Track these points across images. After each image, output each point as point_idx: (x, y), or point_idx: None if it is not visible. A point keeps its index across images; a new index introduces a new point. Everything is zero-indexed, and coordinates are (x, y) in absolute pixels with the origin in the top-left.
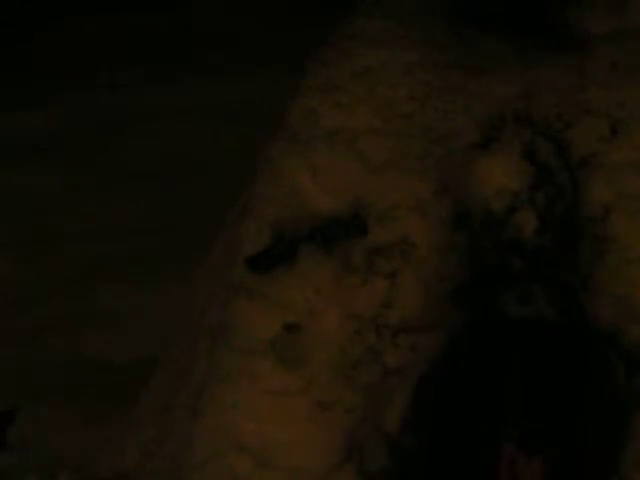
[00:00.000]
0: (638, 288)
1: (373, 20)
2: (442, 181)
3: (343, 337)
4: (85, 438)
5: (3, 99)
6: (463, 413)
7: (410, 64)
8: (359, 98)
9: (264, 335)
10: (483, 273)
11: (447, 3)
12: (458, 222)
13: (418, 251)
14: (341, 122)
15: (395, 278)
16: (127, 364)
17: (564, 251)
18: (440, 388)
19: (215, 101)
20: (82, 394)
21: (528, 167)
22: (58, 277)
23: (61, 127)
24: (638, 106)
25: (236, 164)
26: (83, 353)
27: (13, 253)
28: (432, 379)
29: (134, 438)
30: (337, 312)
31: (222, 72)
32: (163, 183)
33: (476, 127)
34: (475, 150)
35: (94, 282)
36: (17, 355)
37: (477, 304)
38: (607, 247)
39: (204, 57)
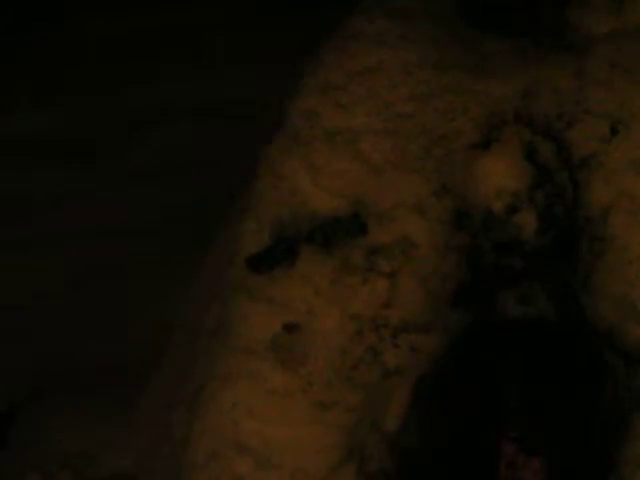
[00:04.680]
0: (637, 288)
1: (373, 20)
2: (442, 181)
3: (343, 337)
4: (85, 438)
5: (3, 99)
6: (463, 413)
7: (410, 64)
8: (359, 98)
9: (264, 335)
10: (483, 273)
11: (447, 3)
12: (458, 222)
13: (418, 251)
14: (341, 122)
15: (395, 278)
16: (127, 364)
17: (564, 251)
18: (440, 388)
19: (215, 101)
20: (82, 394)
21: (528, 167)
22: (58, 277)
23: (61, 127)
24: (638, 106)
25: (236, 164)
26: (83, 353)
27: (13, 253)
28: (432, 379)
29: (134, 438)
30: (337, 312)
31: (222, 72)
32: (163, 183)
33: (476, 127)
34: (475, 150)
35: (94, 282)
36: (17, 355)
37: (477, 304)
38: (606, 247)
39: (204, 57)
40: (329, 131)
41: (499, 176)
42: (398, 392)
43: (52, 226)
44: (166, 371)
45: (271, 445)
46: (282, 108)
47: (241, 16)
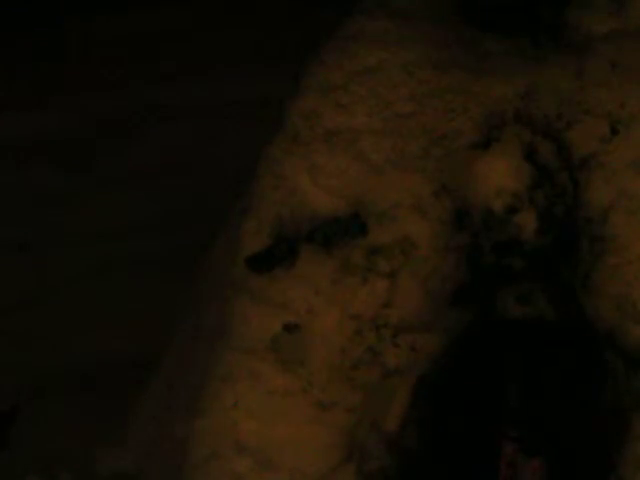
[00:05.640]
0: (637, 288)
1: (373, 20)
2: (442, 181)
3: (343, 337)
4: (85, 438)
5: (3, 99)
6: (463, 413)
7: (410, 64)
8: (359, 98)
9: (264, 335)
10: (483, 273)
11: (447, 3)
12: (458, 222)
13: (418, 251)
14: (341, 122)
15: (395, 278)
16: (127, 364)
17: (564, 251)
18: (440, 388)
19: (215, 101)
20: (82, 394)
21: (528, 167)
22: (58, 277)
23: (61, 127)
24: (638, 106)
25: (236, 164)
26: (83, 353)
27: (13, 253)
28: (432, 379)
29: (134, 438)
30: (337, 312)
31: (222, 72)
32: (163, 183)
33: (476, 127)
34: (475, 150)
35: (94, 282)
36: (17, 355)
37: (477, 304)
38: (607, 247)
39: (204, 57)
40: (329, 131)
41: (499, 176)
42: (398, 392)
43: (52, 226)
44: (166, 371)
45: (271, 445)
46: (282, 108)
47: (241, 16)
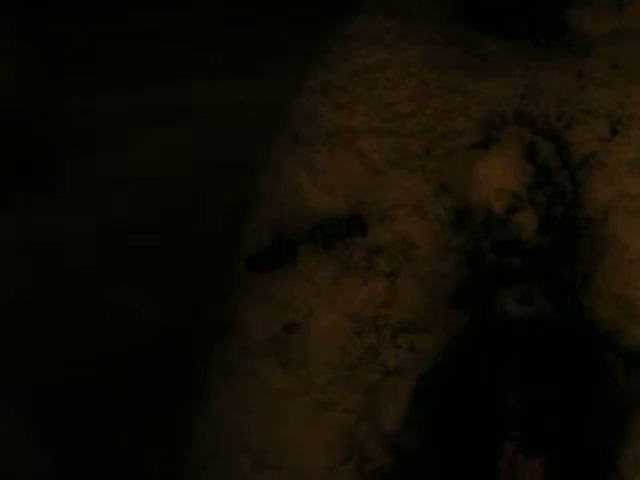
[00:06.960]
0: (637, 288)
1: (373, 20)
2: (442, 181)
3: (343, 337)
4: (87, 437)
5: None
6: (463, 413)
7: (410, 64)
8: (359, 98)
9: (264, 335)
10: (483, 273)
11: (447, 3)
12: (458, 222)
13: (418, 251)
14: (341, 122)
15: (395, 278)
16: (127, 364)
17: (564, 251)
18: (440, 388)
19: (215, 101)
20: (85, 394)
21: (528, 167)
22: (58, 277)
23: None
24: (638, 106)
25: (236, 164)
26: (84, 353)
27: (13, 253)
28: (432, 379)
29: (135, 438)
30: (337, 312)
31: (222, 72)
32: (163, 183)
33: (476, 127)
34: (475, 150)
35: (94, 282)
36: (18, 355)
37: (477, 304)
38: (607, 247)
39: (204, 57)
40: (329, 131)
41: (499, 176)
42: (398, 392)
43: (52, 225)
44: (166, 371)
45: (271, 445)
46: (282, 108)
47: (241, 16)
